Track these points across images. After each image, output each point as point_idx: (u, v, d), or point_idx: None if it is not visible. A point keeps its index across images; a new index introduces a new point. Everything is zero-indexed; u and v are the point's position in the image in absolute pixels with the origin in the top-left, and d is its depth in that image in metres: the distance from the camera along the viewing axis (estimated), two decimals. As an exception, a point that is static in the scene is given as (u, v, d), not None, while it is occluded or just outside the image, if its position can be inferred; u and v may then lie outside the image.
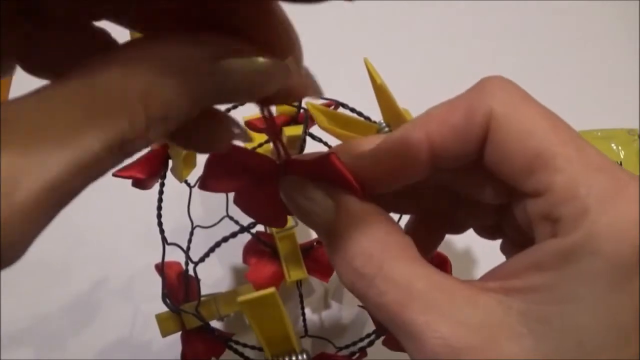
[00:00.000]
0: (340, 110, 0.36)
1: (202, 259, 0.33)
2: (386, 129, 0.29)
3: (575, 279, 0.16)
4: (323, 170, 0.19)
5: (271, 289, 0.21)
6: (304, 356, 0.24)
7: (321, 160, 0.19)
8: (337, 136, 0.28)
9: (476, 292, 0.17)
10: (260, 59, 0.16)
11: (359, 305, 0.37)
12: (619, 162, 0.49)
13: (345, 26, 0.58)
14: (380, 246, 0.19)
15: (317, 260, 0.37)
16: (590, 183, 0.17)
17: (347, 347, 0.36)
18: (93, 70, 0.14)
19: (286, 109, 0.36)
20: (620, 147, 0.50)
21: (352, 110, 0.35)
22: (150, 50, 0.14)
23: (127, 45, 0.15)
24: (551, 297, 0.16)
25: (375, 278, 0.18)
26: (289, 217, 0.32)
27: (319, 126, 0.29)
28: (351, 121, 0.29)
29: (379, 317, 0.19)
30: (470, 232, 0.25)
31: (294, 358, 0.24)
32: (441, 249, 0.34)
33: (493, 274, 0.19)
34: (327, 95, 0.33)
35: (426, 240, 0.24)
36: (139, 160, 0.26)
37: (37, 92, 0.13)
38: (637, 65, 0.56)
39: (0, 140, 0.12)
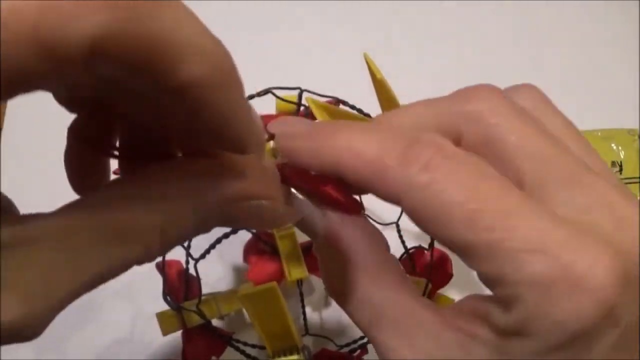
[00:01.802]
0: (340, 107, 0.36)
1: (202, 256, 0.33)
2: None
3: (516, 349, 0.16)
4: (317, 185, 0.20)
5: (272, 283, 0.21)
6: (306, 352, 0.24)
7: (318, 180, 0.20)
8: None
9: (443, 328, 0.18)
10: (265, 203, 0.18)
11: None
12: (619, 162, 0.49)
13: (344, 24, 0.58)
14: (357, 269, 0.19)
15: (317, 259, 0.37)
16: (525, 269, 0.15)
17: (347, 345, 0.36)
18: (118, 201, 0.15)
19: (285, 107, 0.36)
20: (620, 147, 0.50)
21: (352, 107, 0.34)
22: (168, 189, 0.16)
23: (151, 178, 0.17)
24: (498, 352, 0.17)
25: (349, 297, 0.19)
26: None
27: (320, 123, 0.29)
28: (352, 117, 0.29)
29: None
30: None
31: (295, 354, 0.24)
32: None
33: (456, 305, 0.19)
34: (327, 93, 0.33)
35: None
36: None
37: (66, 210, 0.15)
38: (637, 65, 0.56)
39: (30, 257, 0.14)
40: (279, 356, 0.24)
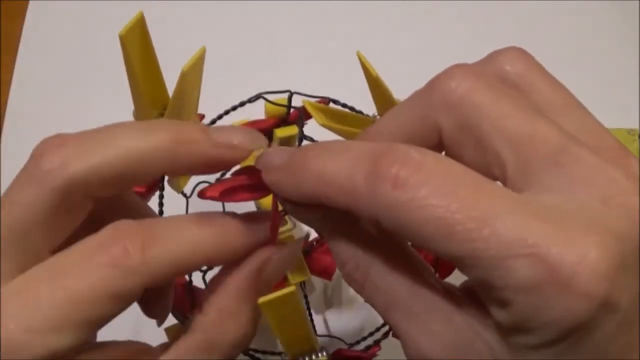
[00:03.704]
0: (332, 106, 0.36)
1: (210, 267, 0.33)
2: None
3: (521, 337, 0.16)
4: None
5: (291, 288, 0.21)
6: (324, 353, 0.24)
7: None
8: (336, 132, 0.28)
9: (453, 309, 0.18)
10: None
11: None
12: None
13: (332, 24, 0.58)
14: (366, 255, 0.19)
15: (318, 260, 0.37)
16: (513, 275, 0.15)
17: (358, 342, 0.36)
18: None
19: (275, 110, 0.36)
20: (620, 147, 0.50)
21: (344, 105, 0.34)
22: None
23: None
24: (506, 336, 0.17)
25: (364, 284, 0.19)
26: (287, 220, 0.32)
27: (318, 123, 0.29)
28: (347, 116, 0.29)
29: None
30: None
31: (314, 357, 0.24)
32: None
33: (467, 285, 0.19)
34: (320, 94, 0.33)
35: None
36: None
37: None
38: (637, 65, 0.56)
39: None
40: None
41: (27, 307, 0.18)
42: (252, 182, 0.22)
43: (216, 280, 0.22)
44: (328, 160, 0.18)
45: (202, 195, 0.22)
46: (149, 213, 0.25)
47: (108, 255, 0.18)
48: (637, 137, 0.50)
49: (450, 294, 0.18)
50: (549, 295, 0.15)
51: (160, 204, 0.32)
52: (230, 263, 0.21)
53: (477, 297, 0.17)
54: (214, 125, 0.22)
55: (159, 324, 0.27)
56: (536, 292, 0.15)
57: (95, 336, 0.21)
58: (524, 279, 0.15)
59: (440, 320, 0.18)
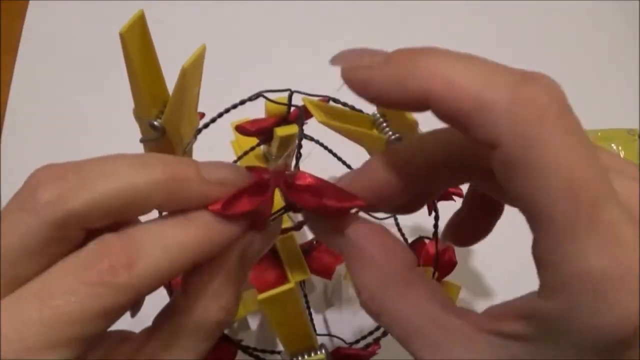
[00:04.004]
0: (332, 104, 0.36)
1: None
2: (381, 119, 0.29)
3: (553, 349, 0.16)
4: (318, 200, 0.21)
5: (290, 284, 0.21)
6: (322, 351, 0.24)
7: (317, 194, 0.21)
8: (336, 129, 0.28)
9: (472, 332, 0.18)
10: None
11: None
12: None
13: (331, 23, 0.58)
14: (381, 285, 0.20)
15: (318, 259, 0.37)
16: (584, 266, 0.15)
17: (357, 341, 0.36)
18: None
19: (275, 108, 0.35)
20: (620, 147, 0.50)
21: (344, 104, 0.34)
22: None
23: None
24: (535, 352, 0.17)
25: (380, 315, 0.20)
26: (286, 218, 0.32)
27: (318, 121, 0.29)
28: (347, 114, 0.29)
29: None
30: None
31: (312, 355, 0.24)
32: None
33: (492, 310, 0.19)
34: (320, 92, 0.33)
35: (482, 213, 0.24)
36: None
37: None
38: (637, 65, 0.56)
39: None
40: (298, 357, 0.24)
41: (17, 326, 0.18)
42: (253, 184, 0.22)
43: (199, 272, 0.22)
44: (452, 62, 0.18)
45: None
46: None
47: (95, 273, 0.18)
48: (637, 137, 0.50)
49: (467, 318, 0.18)
50: (611, 295, 0.14)
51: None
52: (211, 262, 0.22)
53: (501, 317, 0.17)
54: (204, 162, 0.22)
55: (133, 314, 0.26)
56: (600, 287, 0.14)
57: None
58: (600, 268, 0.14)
59: (461, 346, 0.18)
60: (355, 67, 0.19)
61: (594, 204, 0.14)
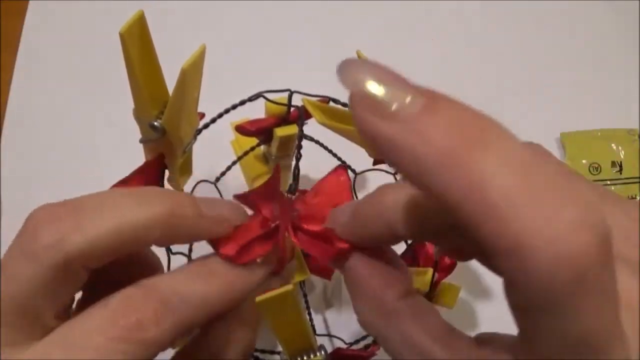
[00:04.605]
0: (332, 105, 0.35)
1: None
2: None
3: None
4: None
5: (288, 287, 0.21)
6: (322, 353, 0.24)
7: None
8: (335, 130, 0.28)
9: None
10: None
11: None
12: (619, 162, 0.49)
13: (337, 24, 0.58)
14: (373, 314, 0.20)
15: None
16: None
17: (357, 342, 0.36)
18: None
19: (275, 109, 0.36)
20: (620, 147, 0.50)
21: (344, 105, 0.34)
22: None
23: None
24: None
25: (375, 337, 0.21)
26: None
27: (317, 121, 0.29)
28: (346, 115, 0.29)
29: None
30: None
31: (311, 356, 0.24)
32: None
33: (481, 338, 0.19)
34: (320, 93, 0.33)
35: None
36: (135, 173, 0.26)
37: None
38: (637, 65, 0.56)
39: None
40: (297, 359, 0.24)
41: None
42: (264, 231, 0.22)
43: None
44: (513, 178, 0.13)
45: (217, 252, 0.23)
46: (147, 256, 0.26)
47: (122, 329, 0.18)
48: (637, 137, 0.50)
49: (455, 347, 0.19)
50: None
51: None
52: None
53: (487, 344, 0.18)
54: (201, 198, 0.23)
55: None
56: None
57: None
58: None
59: None
60: (369, 109, 0.14)
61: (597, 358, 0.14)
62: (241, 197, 0.23)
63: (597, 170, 0.49)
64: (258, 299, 0.21)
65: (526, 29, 0.59)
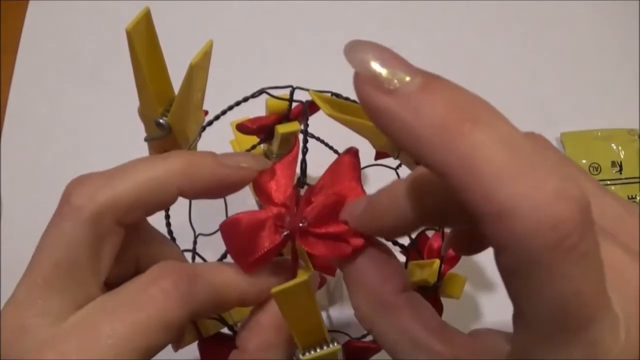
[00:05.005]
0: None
1: (220, 260, 0.33)
2: None
3: None
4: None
5: (304, 277, 0.21)
6: (335, 344, 0.24)
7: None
8: (342, 122, 0.28)
9: (453, 355, 0.19)
10: None
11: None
12: (619, 162, 0.49)
13: (337, 20, 0.58)
14: (370, 308, 0.21)
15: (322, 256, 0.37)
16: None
17: (364, 336, 0.36)
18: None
19: (276, 106, 0.35)
20: (620, 147, 0.50)
21: (346, 99, 0.34)
22: None
23: None
24: None
25: (372, 332, 0.21)
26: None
27: (325, 113, 0.29)
28: (351, 107, 0.29)
29: None
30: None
31: (325, 348, 0.24)
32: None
33: (475, 334, 0.20)
34: (321, 89, 0.33)
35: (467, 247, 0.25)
36: None
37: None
38: (637, 65, 0.56)
39: None
40: (310, 351, 0.24)
41: (89, 341, 0.19)
42: (277, 243, 0.23)
43: (249, 321, 0.24)
44: (500, 149, 0.15)
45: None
46: (172, 248, 0.28)
47: (159, 287, 0.20)
48: (637, 137, 0.50)
49: (450, 342, 0.19)
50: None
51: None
52: (258, 305, 0.24)
53: (483, 337, 0.19)
54: (224, 153, 0.24)
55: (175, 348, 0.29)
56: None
57: None
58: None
59: None
60: (372, 85, 0.15)
61: (583, 325, 0.14)
62: (255, 185, 0.24)
63: (597, 170, 0.49)
64: (274, 290, 0.21)
65: (526, 29, 0.59)
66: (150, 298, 0.20)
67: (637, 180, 0.49)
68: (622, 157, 0.50)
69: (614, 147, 0.50)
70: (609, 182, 0.49)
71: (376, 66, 0.15)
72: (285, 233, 0.23)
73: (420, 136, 0.14)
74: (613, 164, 0.50)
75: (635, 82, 0.55)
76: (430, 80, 0.15)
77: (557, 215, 0.13)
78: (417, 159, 0.15)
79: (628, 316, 0.15)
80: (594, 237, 0.14)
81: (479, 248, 0.24)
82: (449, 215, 0.20)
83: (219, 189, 0.23)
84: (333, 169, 0.24)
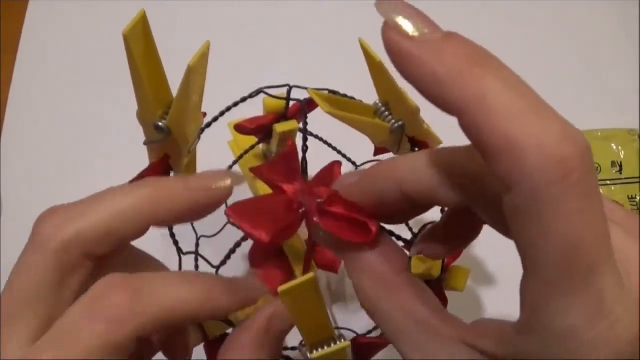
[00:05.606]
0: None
1: (224, 262, 0.33)
2: (383, 108, 0.29)
3: None
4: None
5: (310, 275, 0.21)
6: (342, 340, 0.24)
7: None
8: (340, 119, 0.28)
9: (450, 337, 0.19)
10: None
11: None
12: (619, 162, 0.49)
13: (335, 19, 0.58)
14: (373, 288, 0.21)
15: (324, 253, 0.37)
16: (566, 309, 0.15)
17: (369, 332, 0.36)
18: None
19: (274, 105, 0.35)
20: (620, 147, 0.50)
21: (344, 96, 0.34)
22: None
23: None
24: None
25: (374, 315, 0.21)
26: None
27: (324, 111, 0.29)
28: (349, 104, 0.29)
29: None
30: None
31: (332, 345, 0.24)
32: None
33: (477, 323, 0.20)
34: (318, 87, 0.33)
35: (459, 233, 0.25)
36: (141, 176, 0.26)
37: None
38: (637, 65, 0.56)
39: None
40: (318, 349, 0.24)
41: None
42: (293, 218, 0.23)
43: (230, 338, 0.24)
44: (507, 91, 0.16)
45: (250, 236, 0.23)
46: (155, 266, 0.27)
47: (99, 310, 0.20)
48: (637, 137, 0.50)
49: (452, 324, 0.20)
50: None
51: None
52: (240, 322, 0.24)
53: (475, 330, 0.19)
54: (196, 174, 0.25)
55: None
56: (571, 345, 0.15)
57: None
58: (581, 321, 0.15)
59: (442, 349, 0.19)
60: (398, 32, 0.17)
61: (589, 271, 0.15)
62: (256, 171, 0.24)
63: (597, 170, 0.49)
64: (281, 288, 0.21)
65: (526, 29, 0.59)
66: (89, 324, 0.20)
67: (637, 180, 0.49)
68: (622, 157, 0.50)
69: (614, 147, 0.50)
70: (609, 182, 0.49)
71: (402, 20, 0.17)
72: (302, 210, 0.22)
73: (439, 77, 0.16)
74: (613, 164, 0.50)
75: (635, 82, 0.55)
76: (450, 33, 0.17)
77: (563, 153, 0.14)
78: (433, 100, 0.17)
79: (630, 290, 0.16)
80: (596, 182, 0.15)
81: (447, 251, 0.24)
82: (441, 191, 0.20)
83: (191, 214, 0.23)
84: (322, 173, 0.24)
